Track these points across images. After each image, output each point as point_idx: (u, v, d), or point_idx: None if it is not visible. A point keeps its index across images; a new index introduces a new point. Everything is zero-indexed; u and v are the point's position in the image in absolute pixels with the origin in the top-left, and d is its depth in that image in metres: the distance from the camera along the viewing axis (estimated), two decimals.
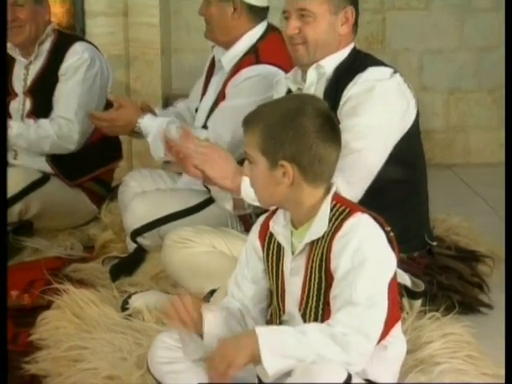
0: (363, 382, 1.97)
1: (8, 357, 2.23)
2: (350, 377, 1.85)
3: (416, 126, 2.69)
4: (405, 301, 2.58)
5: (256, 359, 1.86)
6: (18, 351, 2.57)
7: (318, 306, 2.00)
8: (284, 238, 2.07)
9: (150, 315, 2.72)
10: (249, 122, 2.04)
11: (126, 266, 3.19)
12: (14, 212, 3.51)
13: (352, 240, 1.94)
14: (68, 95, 3.60)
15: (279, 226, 2.09)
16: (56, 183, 3.65)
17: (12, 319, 2.74)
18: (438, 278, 2.73)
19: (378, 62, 2.68)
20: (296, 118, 1.98)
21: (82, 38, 3.98)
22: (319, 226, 1.99)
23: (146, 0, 4.57)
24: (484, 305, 2.82)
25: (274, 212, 2.13)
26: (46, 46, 3.67)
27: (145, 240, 3.10)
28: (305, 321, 2.02)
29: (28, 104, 3.68)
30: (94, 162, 3.73)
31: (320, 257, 1.98)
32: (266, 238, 2.12)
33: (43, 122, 3.59)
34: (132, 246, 3.22)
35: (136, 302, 2.79)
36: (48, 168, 3.66)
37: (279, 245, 2.09)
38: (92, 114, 3.26)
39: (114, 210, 3.60)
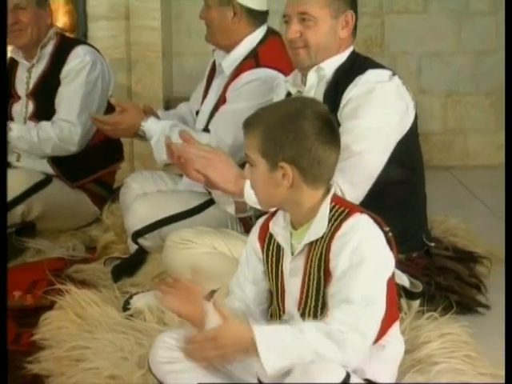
0: (361, 381, 1.97)
1: (9, 357, 2.23)
2: (348, 376, 1.86)
3: (414, 128, 2.70)
4: (403, 301, 2.59)
5: (251, 355, 1.87)
6: (20, 351, 2.57)
7: (316, 306, 2.01)
8: (283, 238, 2.08)
9: (151, 315, 2.72)
10: (249, 124, 2.05)
11: (128, 266, 3.19)
12: (17, 213, 3.51)
13: (351, 239, 1.95)
14: (70, 98, 3.60)
15: (279, 227, 2.10)
16: (58, 185, 3.65)
17: (15, 319, 2.76)
18: (436, 278, 2.74)
19: (377, 65, 2.69)
20: (296, 121, 1.99)
21: (83, 42, 3.98)
22: (318, 226, 2.00)
23: (148, 4, 4.57)
24: (481, 305, 2.83)
25: (274, 214, 2.14)
26: (48, 49, 3.68)
27: (146, 241, 3.11)
28: (304, 320, 2.01)
29: (31, 107, 3.68)
30: (96, 164, 3.73)
31: (319, 257, 1.99)
32: (266, 239, 2.13)
33: (44, 124, 3.60)
34: (133, 247, 3.23)
35: (137, 302, 2.79)
36: (50, 170, 3.66)
37: (279, 246, 2.10)
38: (96, 118, 3.27)
39: (115, 211, 3.60)
